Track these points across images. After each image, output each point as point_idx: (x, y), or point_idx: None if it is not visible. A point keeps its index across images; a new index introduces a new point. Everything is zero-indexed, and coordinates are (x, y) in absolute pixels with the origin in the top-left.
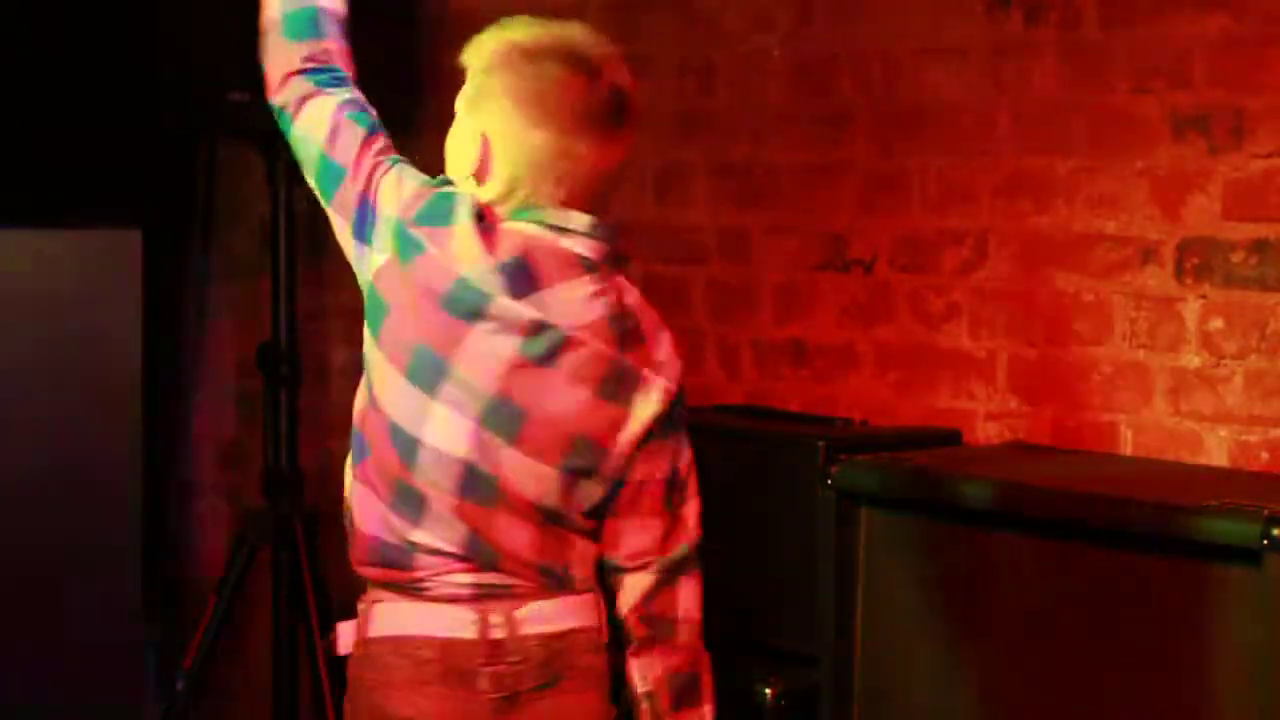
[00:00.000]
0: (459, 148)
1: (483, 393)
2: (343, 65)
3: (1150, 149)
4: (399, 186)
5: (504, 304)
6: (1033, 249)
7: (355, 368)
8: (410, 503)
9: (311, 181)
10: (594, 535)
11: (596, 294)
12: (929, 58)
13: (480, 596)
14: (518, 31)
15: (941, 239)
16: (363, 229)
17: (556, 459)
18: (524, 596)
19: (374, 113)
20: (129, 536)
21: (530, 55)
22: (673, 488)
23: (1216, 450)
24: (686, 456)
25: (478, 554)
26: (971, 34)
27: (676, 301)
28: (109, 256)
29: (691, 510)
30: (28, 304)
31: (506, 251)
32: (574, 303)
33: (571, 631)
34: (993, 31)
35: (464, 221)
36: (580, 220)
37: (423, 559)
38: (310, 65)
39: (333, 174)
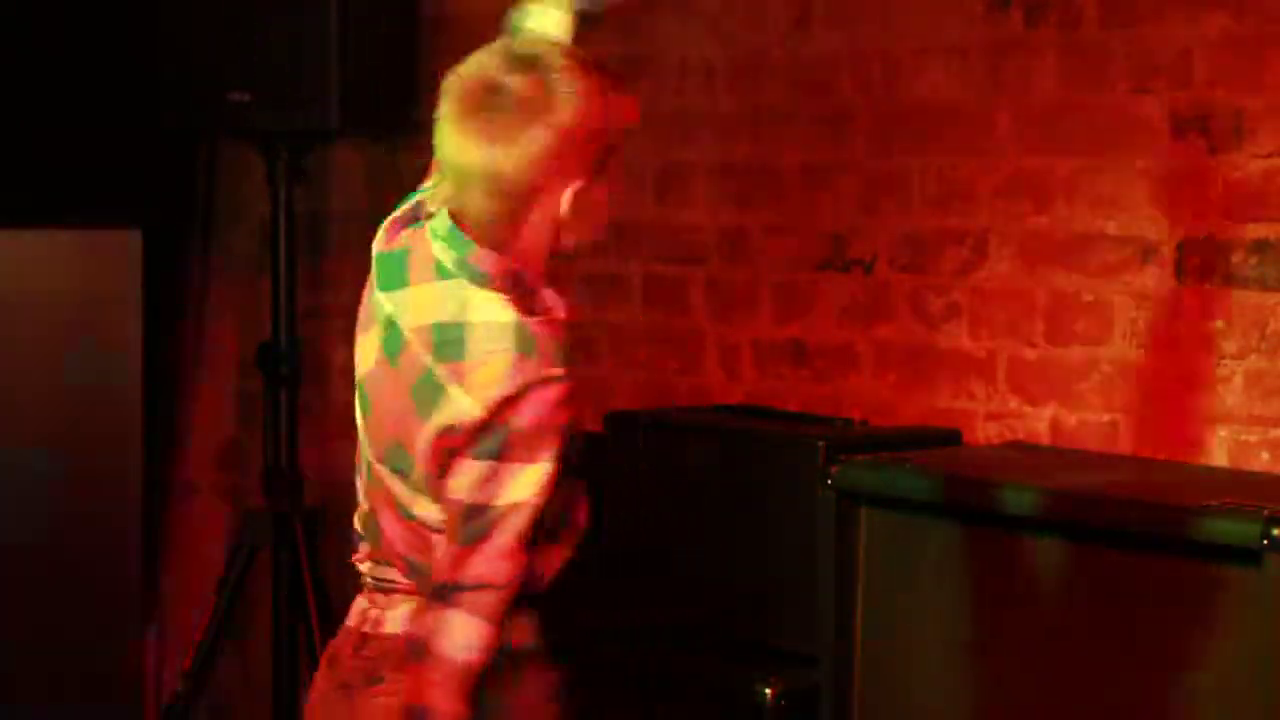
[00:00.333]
0: None
1: (357, 380)
2: None
3: (1150, 149)
4: None
5: (376, 295)
6: (1033, 249)
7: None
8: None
9: None
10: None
11: (438, 300)
12: (929, 58)
13: (372, 588)
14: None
15: (941, 239)
16: None
17: (382, 457)
18: (400, 594)
19: None
20: (129, 536)
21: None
22: (468, 517)
23: (1216, 450)
24: (506, 495)
25: (371, 535)
26: (971, 34)
27: (676, 301)
28: (109, 256)
29: (488, 553)
30: (28, 304)
31: (396, 245)
32: (418, 306)
33: (398, 635)
34: (993, 31)
35: (392, 214)
36: (442, 224)
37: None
38: None
39: None
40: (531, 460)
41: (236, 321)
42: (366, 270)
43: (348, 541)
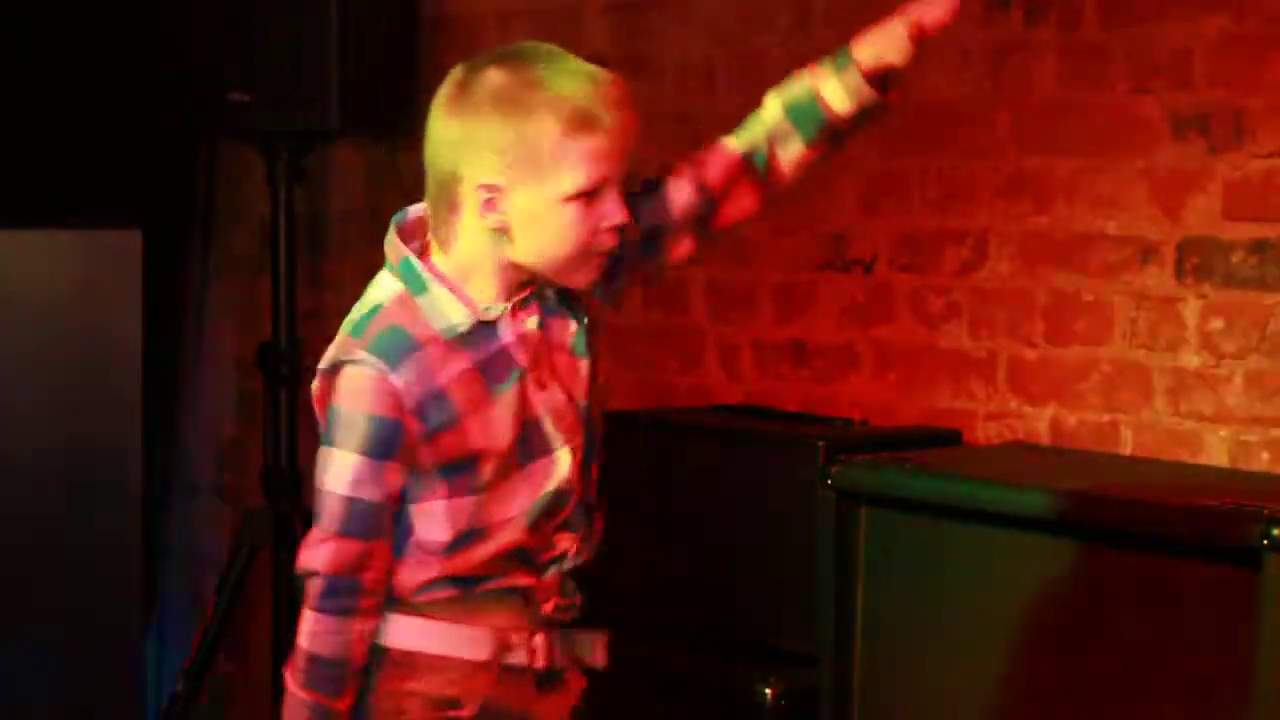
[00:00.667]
0: None
1: None
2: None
3: (1150, 149)
4: None
5: None
6: (1033, 249)
7: None
8: None
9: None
10: (393, 550)
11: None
12: (929, 58)
13: None
14: None
15: (941, 239)
16: None
17: None
18: None
19: None
20: (129, 536)
21: None
22: (316, 501)
23: (1216, 450)
24: (320, 479)
25: None
26: (971, 34)
27: (676, 301)
28: (109, 256)
29: (311, 539)
30: (28, 304)
31: None
32: None
33: None
34: (993, 31)
35: None
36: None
37: None
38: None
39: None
40: (338, 445)
41: (236, 321)
42: (366, 270)
43: None
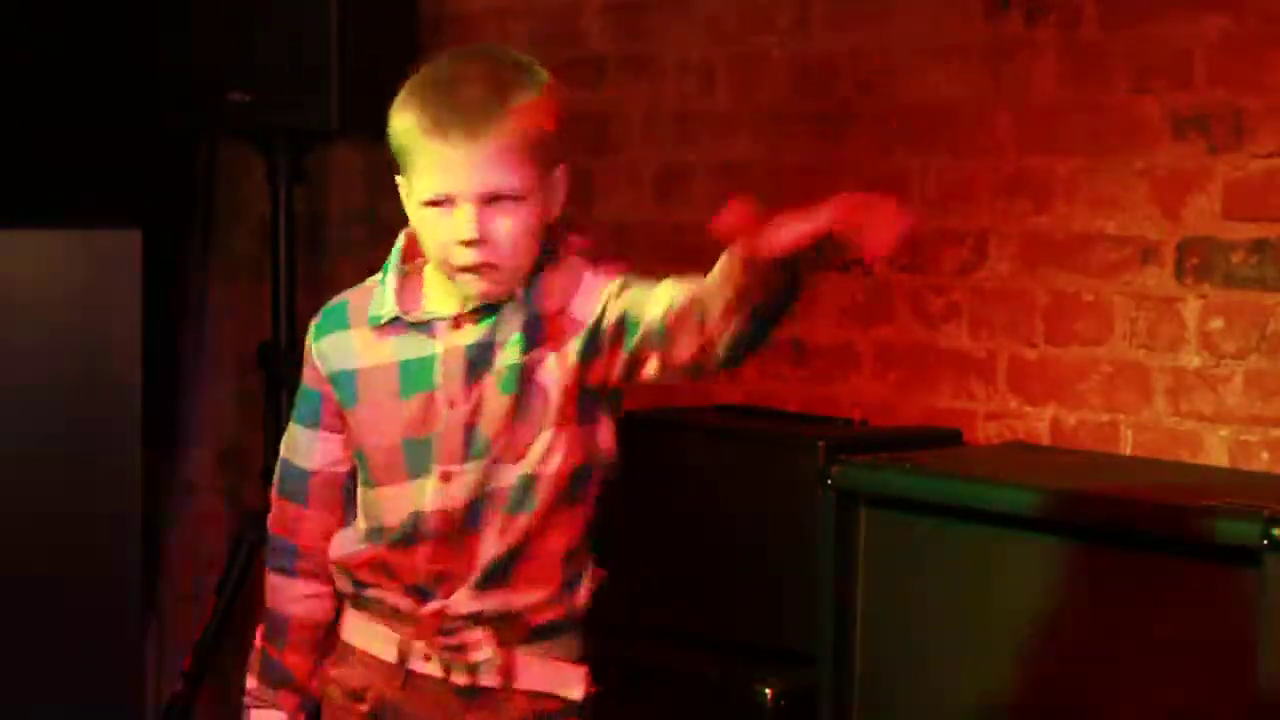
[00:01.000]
0: None
1: None
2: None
3: (1150, 149)
4: None
5: None
6: (1033, 249)
7: None
8: None
9: None
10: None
11: None
12: (929, 58)
13: None
14: None
15: (941, 239)
16: None
17: None
18: None
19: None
20: (129, 536)
21: None
22: None
23: (1216, 450)
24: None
25: None
26: (971, 34)
27: None
28: (109, 256)
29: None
30: (28, 304)
31: None
32: None
33: None
34: (993, 32)
35: None
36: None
37: None
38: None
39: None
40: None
41: (236, 321)
42: (367, 270)
43: None
